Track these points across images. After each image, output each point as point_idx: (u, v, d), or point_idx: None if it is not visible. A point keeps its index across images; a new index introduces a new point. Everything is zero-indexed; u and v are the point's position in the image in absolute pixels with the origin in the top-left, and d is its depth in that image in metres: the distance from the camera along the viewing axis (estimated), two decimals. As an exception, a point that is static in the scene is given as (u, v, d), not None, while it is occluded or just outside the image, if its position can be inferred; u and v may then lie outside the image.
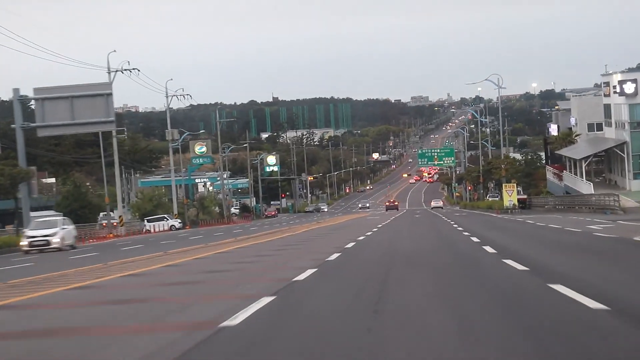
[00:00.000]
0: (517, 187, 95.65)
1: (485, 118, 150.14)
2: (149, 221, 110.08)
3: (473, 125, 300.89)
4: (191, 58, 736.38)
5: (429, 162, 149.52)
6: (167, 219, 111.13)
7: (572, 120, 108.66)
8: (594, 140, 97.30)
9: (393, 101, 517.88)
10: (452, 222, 63.63)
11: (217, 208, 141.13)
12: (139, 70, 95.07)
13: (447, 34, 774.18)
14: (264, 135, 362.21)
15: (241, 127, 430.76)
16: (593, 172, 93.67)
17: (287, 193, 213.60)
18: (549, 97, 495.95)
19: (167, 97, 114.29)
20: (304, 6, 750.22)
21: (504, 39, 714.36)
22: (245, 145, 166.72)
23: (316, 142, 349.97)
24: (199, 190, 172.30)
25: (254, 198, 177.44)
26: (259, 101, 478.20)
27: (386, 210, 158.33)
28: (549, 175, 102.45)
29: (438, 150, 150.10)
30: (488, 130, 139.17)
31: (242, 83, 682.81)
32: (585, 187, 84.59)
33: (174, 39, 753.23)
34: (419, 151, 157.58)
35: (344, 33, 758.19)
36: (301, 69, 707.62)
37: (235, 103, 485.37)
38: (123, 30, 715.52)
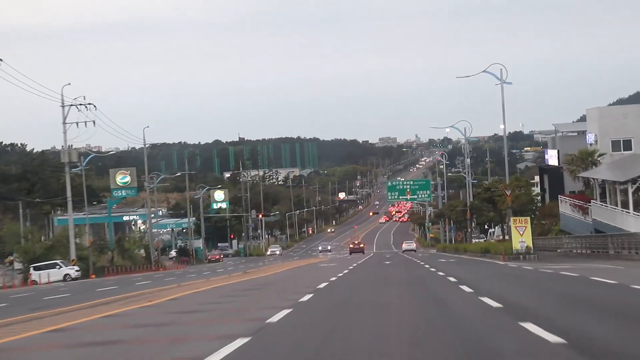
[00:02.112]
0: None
1: (468, 156, 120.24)
2: (35, 269, 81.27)
3: (442, 166, 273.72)
4: (156, 98, 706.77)
5: (401, 196, 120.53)
6: (61, 266, 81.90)
7: (590, 137, 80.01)
8: (629, 160, 68.56)
9: (361, 142, 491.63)
10: (453, 278, 34.40)
11: (142, 251, 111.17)
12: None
13: (415, 77, 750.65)
14: (227, 175, 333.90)
15: (204, 167, 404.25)
16: (621, 203, 64.39)
17: (244, 234, 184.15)
18: (518, 138, 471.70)
19: (62, 107, 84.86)
20: (272, 48, 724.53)
21: (471, 82, 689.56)
22: (178, 175, 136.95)
23: (280, 182, 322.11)
24: (134, 230, 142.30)
25: (201, 239, 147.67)
26: (224, 141, 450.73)
27: (350, 253, 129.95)
28: (564, 209, 73.39)
29: (411, 183, 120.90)
30: (468, 160, 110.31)
31: (209, 123, 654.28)
32: (635, 222, 55.55)
33: (139, 79, 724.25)
34: (389, 183, 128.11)
35: (312, 74, 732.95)
36: (268, 110, 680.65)
37: (199, 142, 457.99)
38: (84, 69, 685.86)
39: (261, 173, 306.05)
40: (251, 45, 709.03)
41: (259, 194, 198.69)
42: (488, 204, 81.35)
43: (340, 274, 45.39)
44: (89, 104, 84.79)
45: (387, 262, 68.23)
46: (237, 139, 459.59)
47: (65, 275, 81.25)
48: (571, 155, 74.80)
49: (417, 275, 40.33)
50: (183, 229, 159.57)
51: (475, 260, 65.49)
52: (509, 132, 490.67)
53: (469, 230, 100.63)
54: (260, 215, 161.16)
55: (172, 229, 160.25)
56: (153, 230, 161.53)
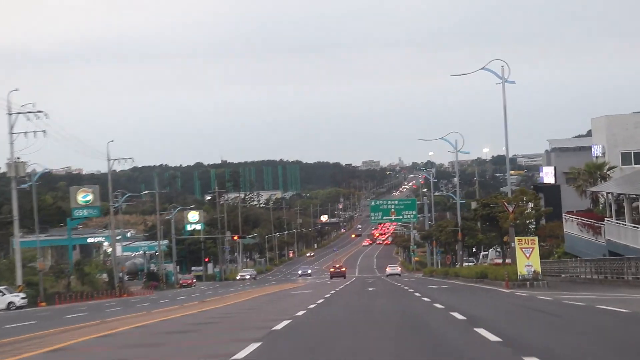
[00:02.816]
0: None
1: (457, 174, 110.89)
2: (-27, 297, 71.25)
3: (429, 184, 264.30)
4: (137, 122, 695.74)
5: (385, 217, 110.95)
6: (4, 293, 72.00)
7: (597, 150, 70.82)
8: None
9: (344, 165, 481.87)
10: (459, 315, 24.92)
11: (104, 275, 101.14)
12: None
13: (398, 100, 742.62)
14: (208, 198, 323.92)
15: (185, 189, 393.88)
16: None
17: (226, 257, 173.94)
18: (501, 162, 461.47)
19: (9, 115, 75.17)
20: (255, 72, 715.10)
21: (455, 106, 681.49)
22: (152, 196, 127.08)
23: (262, 204, 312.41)
24: (98, 253, 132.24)
25: (173, 263, 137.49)
26: (205, 163, 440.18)
27: (331, 278, 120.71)
28: (570, 229, 64.00)
29: (396, 202, 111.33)
30: (457, 179, 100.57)
31: (190, 146, 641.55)
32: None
33: (120, 101, 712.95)
34: (372, 203, 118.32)
35: (294, 97, 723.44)
36: (251, 132, 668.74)
37: (181, 165, 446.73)
38: (75, 93, 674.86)
39: (242, 195, 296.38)
40: (234, 69, 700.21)
41: (239, 215, 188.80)
42: (485, 223, 71.58)
43: (313, 305, 35.89)
44: (39, 111, 75.11)
45: (371, 289, 58.72)
46: (219, 162, 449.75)
47: (9, 303, 71.31)
48: (577, 170, 65.41)
49: (409, 309, 30.78)
50: (156, 251, 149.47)
51: (472, 287, 55.95)
52: (492, 156, 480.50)
53: (460, 252, 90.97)
54: (236, 238, 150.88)
55: (144, 252, 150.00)
56: (124, 254, 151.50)
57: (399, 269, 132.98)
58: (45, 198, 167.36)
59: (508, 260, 60.49)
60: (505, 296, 38.84)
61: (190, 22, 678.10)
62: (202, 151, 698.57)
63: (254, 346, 18.11)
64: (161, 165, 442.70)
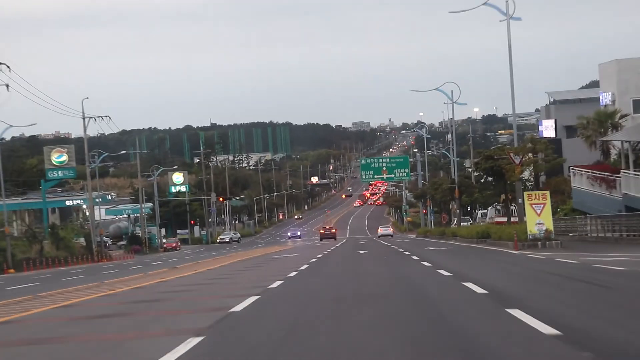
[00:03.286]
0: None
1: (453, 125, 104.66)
2: None
3: (417, 150, 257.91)
4: (127, 85, 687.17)
5: (376, 176, 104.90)
6: (-33, 261, 66.12)
7: (606, 98, 64.58)
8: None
9: (334, 126, 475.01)
10: (474, 286, 18.81)
11: (82, 240, 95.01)
12: None
13: (389, 61, 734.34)
14: (197, 160, 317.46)
15: (174, 151, 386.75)
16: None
17: (210, 220, 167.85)
18: (492, 121, 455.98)
19: (-33, 67, 68.49)
20: (243, 33, 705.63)
21: (445, 66, 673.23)
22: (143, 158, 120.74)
23: (252, 166, 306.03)
24: (75, 217, 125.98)
25: (157, 226, 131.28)
26: (195, 126, 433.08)
27: (321, 239, 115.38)
28: (579, 183, 57.85)
29: (388, 160, 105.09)
30: (452, 133, 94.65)
31: (180, 109, 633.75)
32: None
33: (109, 66, 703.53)
34: (362, 161, 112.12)
35: (284, 59, 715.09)
36: (240, 95, 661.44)
37: (170, 128, 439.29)
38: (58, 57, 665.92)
39: (231, 157, 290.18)
40: (223, 31, 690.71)
41: (228, 177, 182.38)
42: (487, 178, 65.31)
43: (294, 273, 29.93)
44: (1, 63, 68.64)
45: (362, 252, 52.83)
46: (209, 124, 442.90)
47: (-26, 271, 65.49)
48: (586, 119, 59.17)
49: (409, 280, 24.66)
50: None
51: (475, 248, 49.95)
52: (483, 115, 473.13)
53: (458, 211, 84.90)
54: (221, 199, 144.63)
55: (129, 215, 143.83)
56: (108, 217, 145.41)
57: (391, 229, 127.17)
58: (30, 161, 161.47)
59: (517, 219, 54.40)
60: (520, 259, 32.82)
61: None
62: (191, 114, 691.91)
63: (189, 344, 12.07)
64: (150, 128, 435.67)
